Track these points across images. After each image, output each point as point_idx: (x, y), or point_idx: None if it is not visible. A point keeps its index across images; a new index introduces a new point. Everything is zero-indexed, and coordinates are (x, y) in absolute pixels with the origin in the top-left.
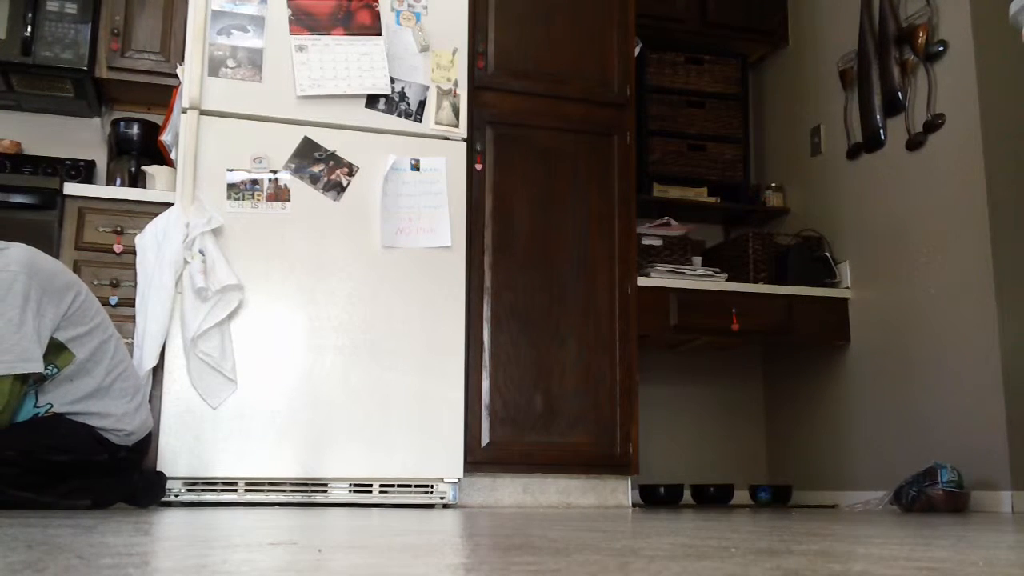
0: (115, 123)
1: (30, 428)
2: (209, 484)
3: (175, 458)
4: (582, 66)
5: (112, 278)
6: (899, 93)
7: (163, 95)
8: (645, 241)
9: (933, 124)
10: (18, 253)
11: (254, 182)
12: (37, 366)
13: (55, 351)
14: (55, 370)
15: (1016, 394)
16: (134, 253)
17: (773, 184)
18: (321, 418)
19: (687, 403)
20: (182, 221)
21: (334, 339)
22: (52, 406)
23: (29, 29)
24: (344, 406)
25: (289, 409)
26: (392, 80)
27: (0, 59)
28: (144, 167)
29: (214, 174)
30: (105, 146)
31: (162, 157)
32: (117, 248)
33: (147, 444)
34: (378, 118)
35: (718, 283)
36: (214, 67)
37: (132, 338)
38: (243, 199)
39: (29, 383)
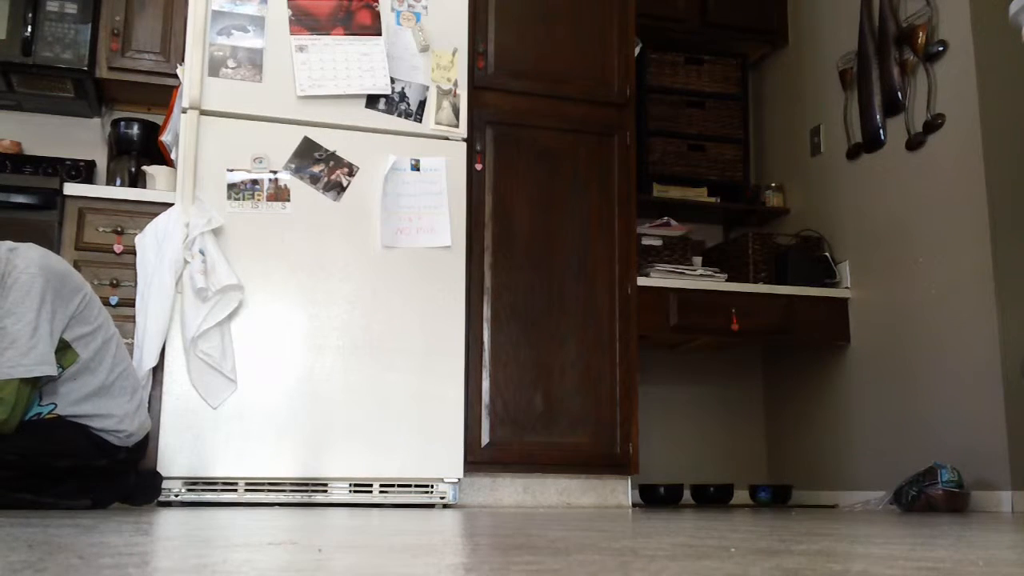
0: (115, 123)
1: (31, 433)
2: (209, 484)
3: (175, 458)
4: (582, 66)
5: (112, 278)
6: (899, 93)
7: (163, 95)
8: (645, 241)
9: (933, 124)
10: (35, 254)
11: (254, 182)
12: (52, 369)
13: (60, 350)
14: (60, 369)
15: (1016, 394)
16: (134, 253)
17: (773, 184)
18: (321, 418)
19: (687, 403)
20: (182, 221)
21: (334, 339)
22: (56, 406)
23: (29, 29)
24: (344, 406)
25: (289, 409)
26: (392, 80)
27: (0, 59)
28: (144, 167)
29: (214, 174)
30: (105, 146)
31: (162, 157)
32: (117, 248)
33: (145, 445)
34: (378, 118)
35: (718, 283)
36: (214, 67)
37: (132, 338)
38: (243, 199)
39: (40, 384)
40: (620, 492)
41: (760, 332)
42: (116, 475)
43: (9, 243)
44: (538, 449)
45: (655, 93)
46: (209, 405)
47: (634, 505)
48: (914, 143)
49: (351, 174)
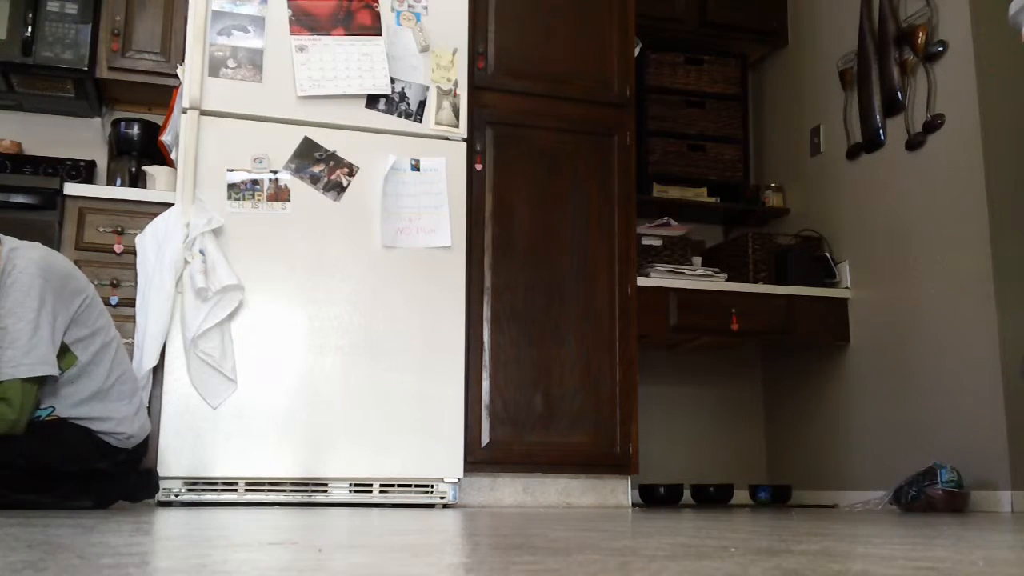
0: (115, 123)
1: (36, 436)
2: (209, 484)
3: (176, 458)
4: (582, 66)
5: (112, 278)
6: (899, 93)
7: (163, 95)
8: (645, 241)
9: (933, 124)
10: (36, 254)
11: (254, 182)
12: (53, 369)
13: (59, 353)
14: (59, 371)
15: (1016, 394)
16: (134, 253)
17: (773, 184)
18: (321, 418)
19: (686, 403)
20: (182, 221)
21: (334, 339)
22: (54, 409)
23: (30, 29)
24: (344, 406)
25: (289, 409)
26: (392, 80)
27: (1, 59)
28: (144, 167)
29: (214, 174)
30: (105, 146)
31: (162, 157)
32: (117, 248)
33: (145, 446)
34: (378, 118)
35: (718, 283)
36: (214, 67)
37: (132, 338)
38: (243, 199)
39: (44, 386)
40: (620, 492)
41: (760, 332)
42: (117, 476)
43: (12, 241)
44: (538, 449)
45: (655, 93)
46: (209, 405)
47: (634, 505)
48: (914, 143)
49: (351, 174)
